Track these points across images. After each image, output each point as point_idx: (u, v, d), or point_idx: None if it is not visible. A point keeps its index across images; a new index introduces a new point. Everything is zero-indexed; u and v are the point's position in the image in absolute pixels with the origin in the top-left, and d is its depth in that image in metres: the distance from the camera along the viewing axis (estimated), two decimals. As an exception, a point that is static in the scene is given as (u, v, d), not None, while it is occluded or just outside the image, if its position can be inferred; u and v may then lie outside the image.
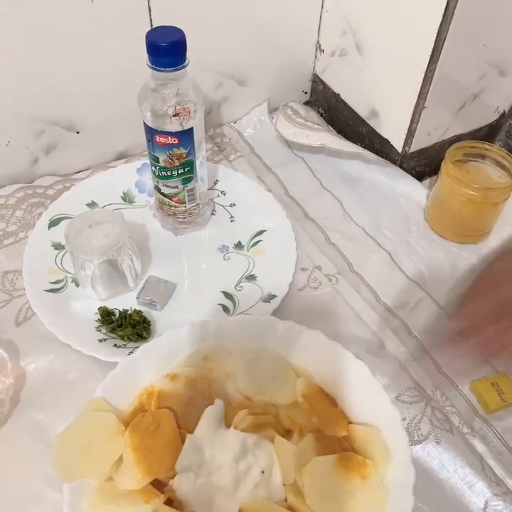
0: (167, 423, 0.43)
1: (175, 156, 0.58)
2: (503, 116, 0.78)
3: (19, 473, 0.49)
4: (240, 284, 0.63)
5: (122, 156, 0.78)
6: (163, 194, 0.63)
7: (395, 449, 0.43)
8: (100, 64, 0.68)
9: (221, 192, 0.73)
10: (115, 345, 0.56)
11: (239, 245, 0.67)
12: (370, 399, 0.45)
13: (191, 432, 0.44)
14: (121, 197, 0.71)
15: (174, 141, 0.57)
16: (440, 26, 0.60)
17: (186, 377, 0.47)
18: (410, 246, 0.69)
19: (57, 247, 0.64)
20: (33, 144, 0.71)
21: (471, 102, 0.72)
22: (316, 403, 0.46)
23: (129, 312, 0.58)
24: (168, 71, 0.52)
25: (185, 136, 0.57)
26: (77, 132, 0.73)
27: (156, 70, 0.52)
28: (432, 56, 0.63)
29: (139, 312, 0.58)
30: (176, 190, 0.62)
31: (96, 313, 0.59)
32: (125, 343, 0.57)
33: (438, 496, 0.49)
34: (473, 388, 0.55)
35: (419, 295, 0.63)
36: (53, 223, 0.66)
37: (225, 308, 0.61)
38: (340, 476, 0.42)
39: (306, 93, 0.88)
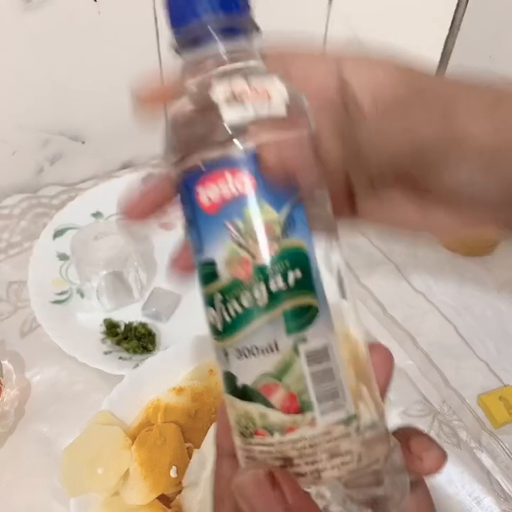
0: (174, 438, 0.43)
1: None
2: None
3: (24, 486, 0.49)
4: (246, 296, 0.63)
5: (127, 166, 0.78)
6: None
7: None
8: (106, 75, 0.68)
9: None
10: (120, 358, 0.56)
11: (244, 256, 0.67)
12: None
13: (197, 445, 0.44)
14: (127, 207, 0.71)
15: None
16: (447, 39, 0.60)
17: (192, 390, 0.47)
18: (417, 258, 0.69)
19: (62, 257, 0.64)
20: (39, 153, 0.71)
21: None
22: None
23: (134, 324, 0.58)
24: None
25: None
26: (83, 142, 0.73)
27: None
28: (438, 68, 0.63)
29: (144, 325, 0.58)
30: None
31: (101, 325, 0.59)
32: (130, 355, 0.56)
33: (446, 512, 0.49)
34: (481, 402, 0.55)
35: (426, 307, 0.63)
36: (58, 233, 0.66)
37: (231, 320, 0.60)
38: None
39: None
